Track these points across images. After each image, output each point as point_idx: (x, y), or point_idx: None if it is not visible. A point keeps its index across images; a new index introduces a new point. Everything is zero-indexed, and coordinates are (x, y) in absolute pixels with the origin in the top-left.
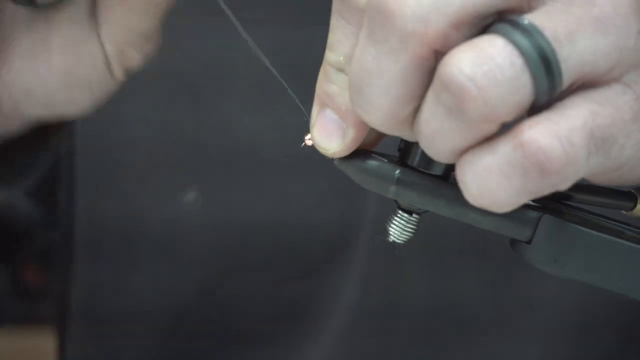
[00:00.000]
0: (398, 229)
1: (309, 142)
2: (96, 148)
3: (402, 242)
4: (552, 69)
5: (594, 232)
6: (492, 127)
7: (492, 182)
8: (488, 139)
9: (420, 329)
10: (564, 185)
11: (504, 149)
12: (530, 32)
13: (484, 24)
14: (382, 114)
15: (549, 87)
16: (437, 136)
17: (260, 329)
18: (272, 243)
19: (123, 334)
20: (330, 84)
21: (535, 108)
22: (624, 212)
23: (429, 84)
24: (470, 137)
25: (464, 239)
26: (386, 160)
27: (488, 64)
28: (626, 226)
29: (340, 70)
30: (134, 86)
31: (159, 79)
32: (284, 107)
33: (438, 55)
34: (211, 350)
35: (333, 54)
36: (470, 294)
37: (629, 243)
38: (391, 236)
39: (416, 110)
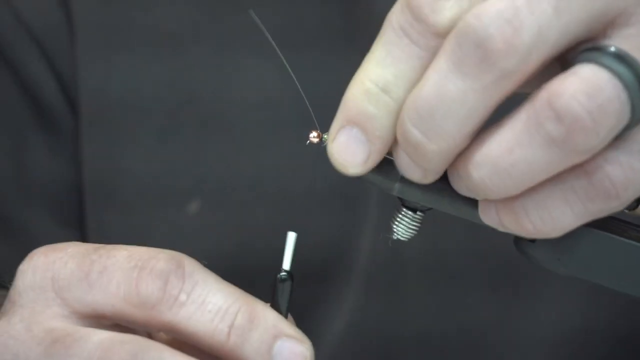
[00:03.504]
0: (402, 227)
1: (314, 140)
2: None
3: (406, 239)
4: None
5: (597, 230)
6: (585, 158)
7: (556, 209)
8: None
9: (424, 336)
10: (622, 207)
11: (567, 176)
12: (629, 62)
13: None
14: (447, 144)
15: None
16: (519, 165)
17: None
18: (271, 248)
19: None
20: (368, 105)
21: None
22: (626, 210)
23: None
24: (556, 168)
25: (467, 240)
26: (390, 158)
27: (601, 97)
28: (629, 225)
29: (385, 91)
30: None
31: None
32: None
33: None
34: None
35: (382, 71)
36: (474, 296)
37: (632, 242)
38: (395, 234)
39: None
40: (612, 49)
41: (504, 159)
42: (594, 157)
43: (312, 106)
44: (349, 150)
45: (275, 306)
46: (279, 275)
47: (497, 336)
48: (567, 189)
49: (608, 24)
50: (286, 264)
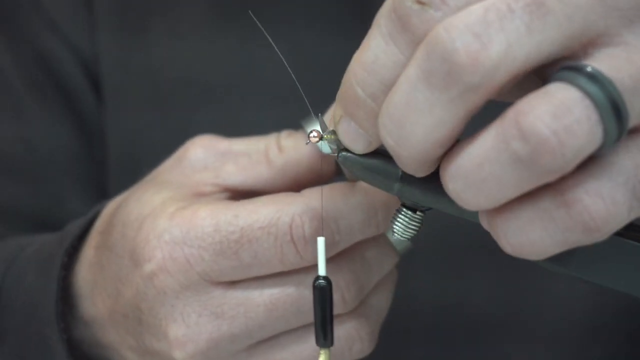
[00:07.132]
0: (402, 226)
1: (313, 140)
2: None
3: (405, 239)
4: (622, 122)
5: None
6: (555, 177)
7: (534, 236)
8: (530, 193)
9: (429, 329)
10: (603, 238)
11: (547, 205)
12: (602, 82)
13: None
14: (417, 152)
15: (616, 139)
16: (489, 181)
17: None
18: None
19: None
20: (358, 109)
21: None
22: None
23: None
24: (526, 186)
25: (471, 238)
26: (390, 158)
27: (568, 118)
28: (631, 225)
29: (372, 98)
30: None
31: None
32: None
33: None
34: None
35: (369, 77)
36: (478, 293)
37: (631, 242)
38: (394, 233)
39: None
40: (589, 68)
41: (475, 174)
42: (575, 186)
43: (326, 82)
44: (350, 137)
45: (319, 312)
46: (317, 283)
47: (502, 331)
48: (546, 218)
49: (588, 44)
50: (321, 270)
